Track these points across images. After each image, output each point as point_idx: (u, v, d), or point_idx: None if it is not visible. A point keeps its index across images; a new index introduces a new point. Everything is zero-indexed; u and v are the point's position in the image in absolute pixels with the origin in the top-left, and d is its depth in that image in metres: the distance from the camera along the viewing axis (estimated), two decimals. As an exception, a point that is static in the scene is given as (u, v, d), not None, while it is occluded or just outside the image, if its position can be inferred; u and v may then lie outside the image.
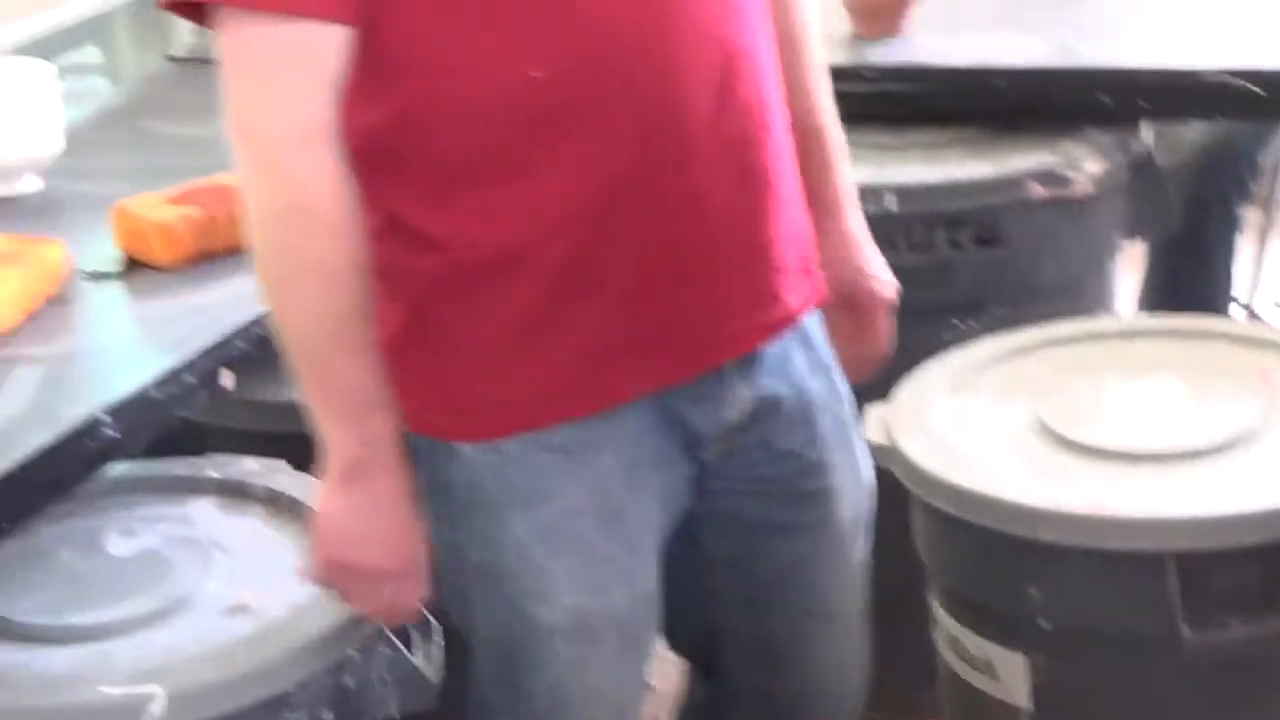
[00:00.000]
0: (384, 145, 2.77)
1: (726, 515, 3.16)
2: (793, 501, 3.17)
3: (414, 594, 3.00)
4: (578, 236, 2.81)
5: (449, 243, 2.82)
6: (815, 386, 3.14)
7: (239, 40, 2.66)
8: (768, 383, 3.07)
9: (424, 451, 2.99)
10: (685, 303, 2.95)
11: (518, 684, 3.11)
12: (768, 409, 3.08)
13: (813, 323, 3.14)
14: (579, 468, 2.97)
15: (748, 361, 3.02)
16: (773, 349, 3.05)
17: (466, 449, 2.95)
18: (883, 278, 3.34)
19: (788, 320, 3.06)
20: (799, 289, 3.07)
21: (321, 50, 2.65)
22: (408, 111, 2.76)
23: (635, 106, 2.78)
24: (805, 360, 3.12)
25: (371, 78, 2.72)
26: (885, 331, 3.34)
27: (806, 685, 3.37)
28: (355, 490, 2.87)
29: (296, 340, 2.83)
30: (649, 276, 2.90)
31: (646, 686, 3.27)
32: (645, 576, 3.07)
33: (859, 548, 3.30)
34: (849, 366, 3.27)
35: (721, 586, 3.24)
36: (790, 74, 3.07)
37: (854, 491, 3.24)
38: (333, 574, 2.96)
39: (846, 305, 3.30)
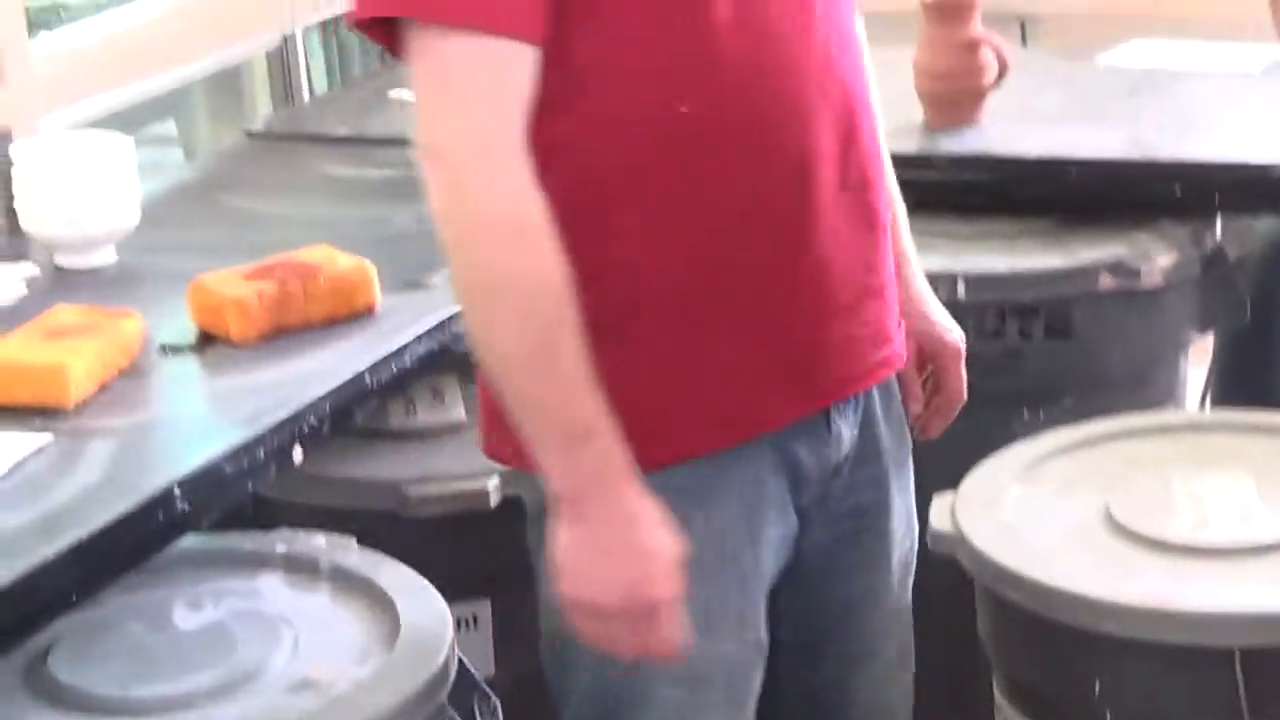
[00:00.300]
0: (541, 166, 2.72)
1: (800, 562, 3.15)
2: (855, 543, 3.20)
3: (664, 631, 2.81)
4: (707, 270, 2.86)
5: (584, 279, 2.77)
6: (884, 430, 3.18)
7: (437, 58, 2.67)
8: (864, 423, 3.12)
9: (529, 492, 3.03)
10: (814, 338, 3.00)
11: None
12: (861, 450, 3.12)
13: None
14: (699, 511, 2.95)
15: (856, 401, 3.07)
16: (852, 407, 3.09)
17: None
18: (952, 327, 3.36)
19: (898, 360, 3.15)
20: (900, 331, 3.14)
21: (516, 69, 2.67)
22: (566, 134, 2.76)
23: (773, 146, 2.84)
24: (880, 403, 3.16)
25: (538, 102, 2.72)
26: (960, 379, 3.35)
27: None
28: (576, 526, 2.77)
29: (500, 363, 2.78)
30: (779, 310, 2.95)
31: None
32: (755, 624, 3.09)
33: (905, 593, 3.33)
34: (929, 420, 3.36)
35: (783, 636, 3.19)
36: None
37: (905, 536, 3.29)
38: (574, 614, 2.85)
39: (921, 356, 3.34)
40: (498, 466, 3.48)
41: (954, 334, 3.35)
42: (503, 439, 2.99)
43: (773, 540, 3.05)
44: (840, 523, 3.16)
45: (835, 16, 2.92)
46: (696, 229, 2.85)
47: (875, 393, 3.13)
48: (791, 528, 3.08)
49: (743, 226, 2.86)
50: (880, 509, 3.21)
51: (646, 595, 2.76)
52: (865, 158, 2.99)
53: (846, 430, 3.07)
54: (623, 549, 2.75)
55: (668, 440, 2.91)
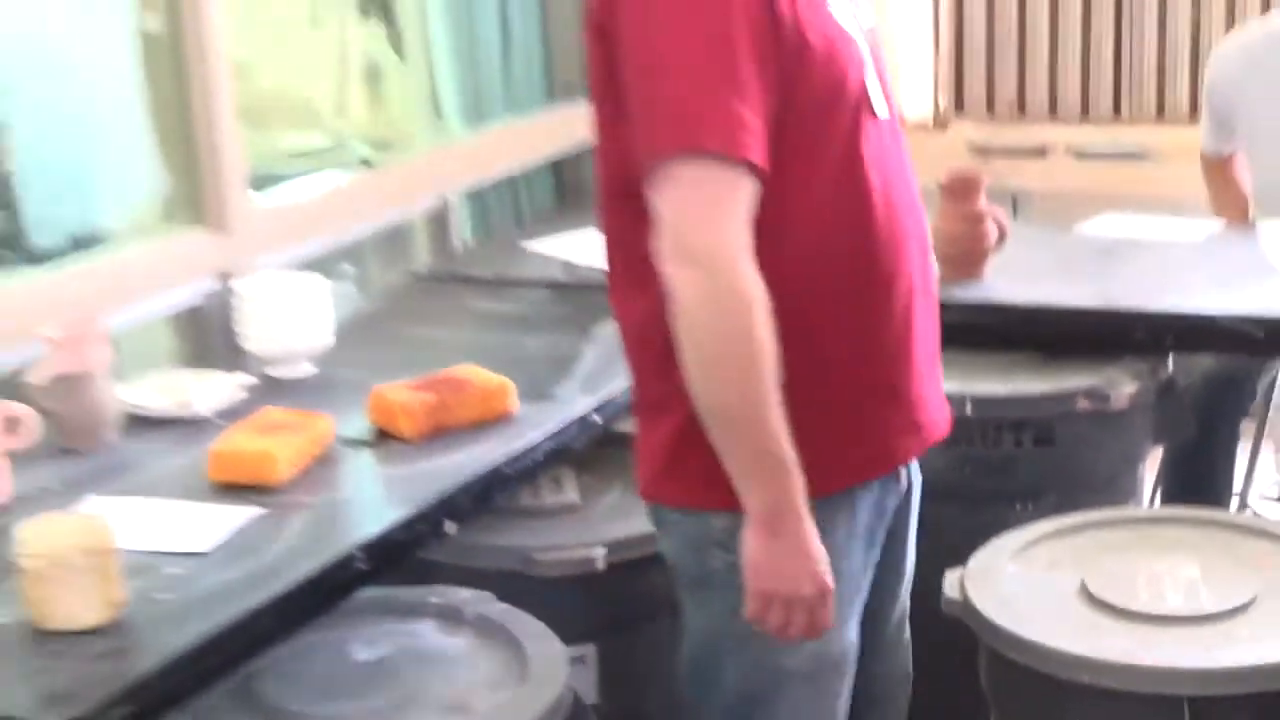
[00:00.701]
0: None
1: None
2: (890, 571, 3.31)
3: (826, 614, 2.96)
4: (859, 351, 3.03)
5: None
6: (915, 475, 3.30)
7: (714, 178, 2.75)
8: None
9: (691, 531, 3.11)
10: (919, 402, 3.13)
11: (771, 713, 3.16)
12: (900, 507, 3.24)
13: None
14: (840, 531, 3.06)
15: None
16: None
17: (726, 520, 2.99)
18: None
19: (949, 422, 3.26)
20: None
21: (750, 190, 2.77)
22: (773, 258, 2.83)
23: (899, 267, 3.04)
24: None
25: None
26: None
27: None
28: (775, 539, 2.87)
29: (723, 413, 2.84)
30: (903, 384, 3.10)
31: None
32: (853, 630, 3.16)
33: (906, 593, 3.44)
34: None
35: None
36: None
37: (911, 553, 3.41)
38: (765, 606, 2.93)
39: None
40: (604, 538, 3.60)
41: None
42: (670, 488, 3.14)
43: (868, 559, 3.17)
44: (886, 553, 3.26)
45: (910, 175, 3.10)
46: (853, 324, 3.02)
47: None
48: (878, 552, 3.20)
49: (884, 323, 3.05)
50: (905, 533, 3.34)
51: (824, 585, 2.91)
52: (930, 271, 3.16)
53: (909, 477, 3.24)
54: (807, 554, 2.89)
55: (839, 474, 3.05)
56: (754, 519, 2.88)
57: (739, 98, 2.72)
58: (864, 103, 2.95)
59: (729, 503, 2.93)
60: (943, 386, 3.26)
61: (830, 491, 3.00)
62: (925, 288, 3.12)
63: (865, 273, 3.00)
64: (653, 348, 2.99)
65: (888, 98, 3.04)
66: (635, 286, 3.00)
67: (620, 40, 2.83)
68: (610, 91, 2.89)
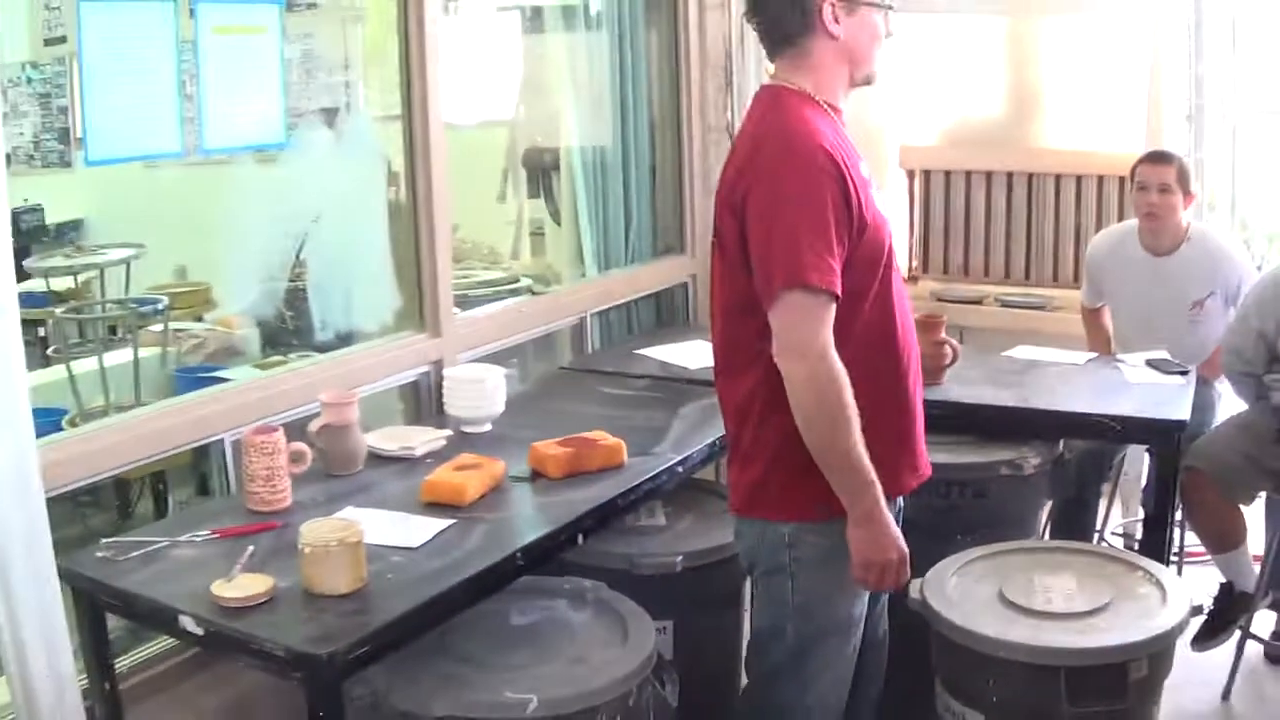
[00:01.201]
0: None
1: None
2: None
3: (905, 573, 3.09)
4: (886, 412, 3.12)
5: None
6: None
7: (814, 304, 2.92)
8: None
9: (768, 535, 3.19)
10: (916, 449, 3.26)
11: (803, 670, 3.23)
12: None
13: None
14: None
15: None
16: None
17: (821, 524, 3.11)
18: None
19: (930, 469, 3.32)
20: None
21: (832, 310, 2.94)
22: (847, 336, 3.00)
23: (910, 351, 3.19)
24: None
25: None
26: None
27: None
28: (868, 525, 3.01)
29: (830, 449, 2.97)
30: (911, 433, 3.23)
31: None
32: (863, 604, 3.26)
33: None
34: None
35: None
36: None
37: None
38: (867, 570, 3.05)
39: None
40: (682, 550, 3.67)
41: None
42: (755, 508, 3.20)
43: None
44: None
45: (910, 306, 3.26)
46: (884, 393, 3.12)
47: None
48: None
49: (901, 394, 3.18)
50: None
51: (903, 552, 3.07)
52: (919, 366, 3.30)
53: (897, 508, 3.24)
54: (892, 534, 3.05)
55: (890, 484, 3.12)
56: (852, 517, 3.01)
57: (829, 253, 2.90)
58: (891, 260, 3.10)
59: (793, 516, 3.12)
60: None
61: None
62: (919, 376, 3.24)
63: (891, 361, 3.13)
64: (750, 417, 3.12)
65: None
66: (739, 374, 3.13)
67: (749, 216, 2.98)
68: (739, 246, 3.01)
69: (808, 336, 2.91)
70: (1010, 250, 6.68)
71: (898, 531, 3.07)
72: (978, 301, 6.50)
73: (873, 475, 2.99)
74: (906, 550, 3.08)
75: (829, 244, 2.91)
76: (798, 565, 3.15)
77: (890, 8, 3.11)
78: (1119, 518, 5.78)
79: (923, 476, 3.27)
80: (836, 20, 3.03)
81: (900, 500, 3.26)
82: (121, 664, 3.59)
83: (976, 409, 4.31)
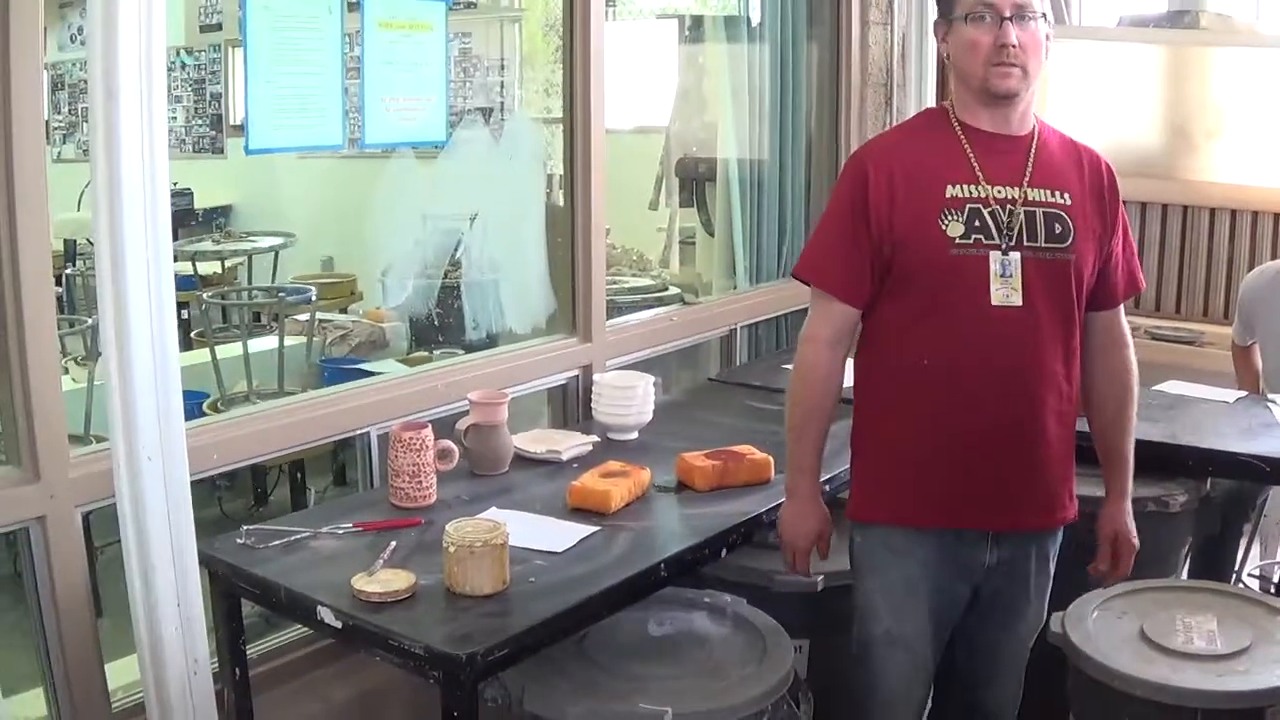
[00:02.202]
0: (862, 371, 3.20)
1: (970, 611, 3.28)
2: (997, 612, 3.27)
3: (802, 561, 3.29)
4: (938, 435, 3.06)
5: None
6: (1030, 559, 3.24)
7: (818, 298, 3.12)
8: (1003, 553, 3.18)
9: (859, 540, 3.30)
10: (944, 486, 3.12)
11: (866, 674, 3.26)
12: (1001, 566, 3.17)
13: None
14: (898, 558, 3.15)
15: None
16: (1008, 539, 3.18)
17: (865, 526, 3.23)
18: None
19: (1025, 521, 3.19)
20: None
21: (839, 310, 3.08)
22: (873, 361, 3.16)
23: (956, 395, 3.03)
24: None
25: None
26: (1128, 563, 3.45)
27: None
28: (787, 502, 3.28)
29: (789, 430, 3.21)
30: (965, 468, 3.07)
31: (925, 693, 3.34)
32: (922, 623, 3.18)
33: (1020, 644, 3.41)
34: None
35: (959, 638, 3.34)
36: None
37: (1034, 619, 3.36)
38: (785, 546, 3.27)
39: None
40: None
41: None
42: (855, 509, 3.27)
43: (931, 581, 3.16)
44: (989, 600, 3.24)
45: None
46: (909, 417, 3.10)
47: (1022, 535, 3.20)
48: (956, 590, 3.20)
49: (937, 423, 3.07)
50: (1020, 603, 3.28)
51: (805, 537, 3.26)
52: None
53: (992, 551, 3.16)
54: (800, 514, 3.25)
55: (896, 510, 3.17)
56: (787, 492, 3.30)
57: (835, 253, 3.08)
58: (954, 284, 3.05)
59: (851, 513, 3.26)
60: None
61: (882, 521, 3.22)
62: (1006, 422, 3.11)
63: (924, 386, 3.10)
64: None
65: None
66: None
67: None
68: None
69: (807, 323, 3.15)
70: (1162, 283, 6.58)
71: (810, 520, 3.25)
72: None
73: (807, 465, 3.21)
74: (807, 539, 3.26)
75: (835, 245, 3.07)
76: (856, 564, 3.29)
77: (971, 17, 2.96)
78: (1257, 559, 5.68)
79: (967, 523, 3.15)
80: (944, 39, 3.05)
81: (986, 544, 3.19)
82: (253, 650, 3.62)
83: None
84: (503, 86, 8.42)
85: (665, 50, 6.74)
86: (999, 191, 2.98)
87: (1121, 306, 3.25)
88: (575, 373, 4.65)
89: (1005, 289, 2.95)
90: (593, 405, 4.25)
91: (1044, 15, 2.99)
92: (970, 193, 2.97)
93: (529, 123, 6.78)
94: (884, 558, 3.16)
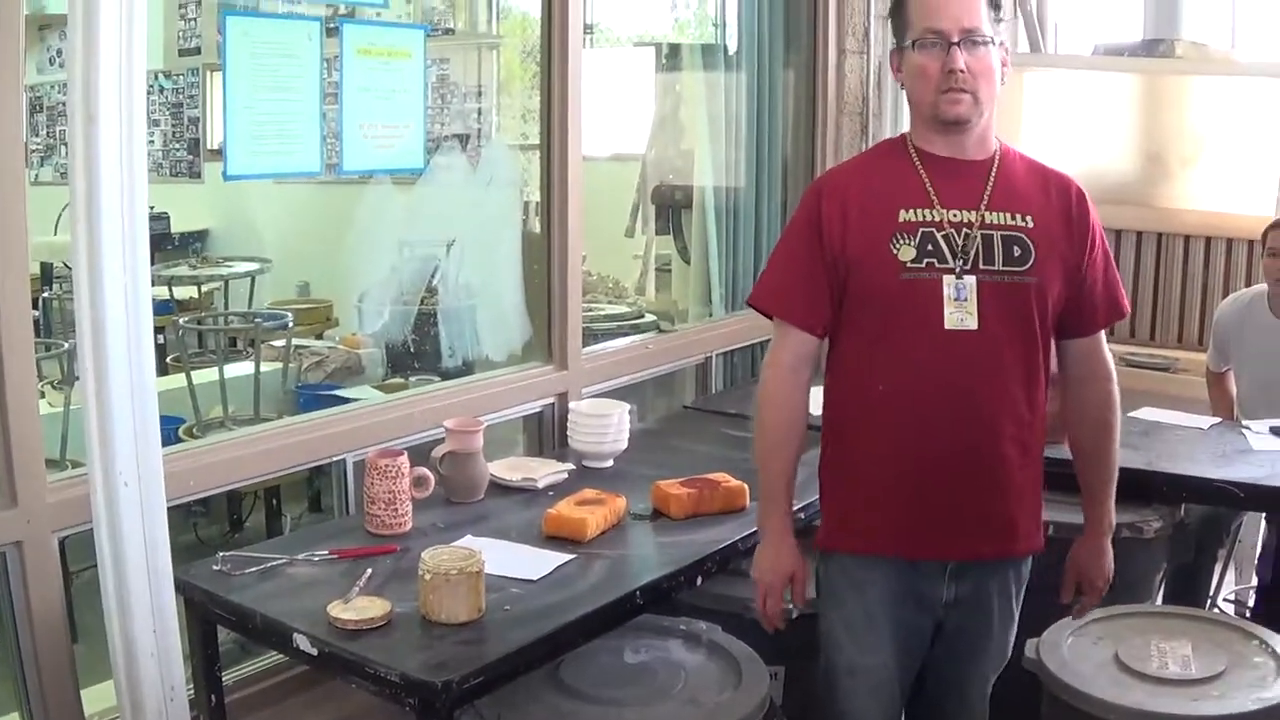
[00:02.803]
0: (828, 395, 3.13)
1: (936, 641, 3.18)
2: (960, 644, 3.17)
3: (774, 602, 3.16)
4: (891, 461, 3.00)
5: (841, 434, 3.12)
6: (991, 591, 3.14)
7: (778, 325, 3.08)
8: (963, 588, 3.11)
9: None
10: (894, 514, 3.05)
11: (832, 705, 3.20)
12: (961, 602, 3.10)
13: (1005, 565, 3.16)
14: (857, 590, 3.10)
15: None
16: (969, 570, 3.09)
17: (827, 555, 3.18)
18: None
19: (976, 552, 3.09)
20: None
21: (797, 338, 3.05)
22: (834, 387, 3.11)
23: (906, 422, 2.97)
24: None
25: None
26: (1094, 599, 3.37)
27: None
28: (761, 539, 3.18)
29: (757, 458, 3.14)
30: (918, 495, 3.00)
31: None
32: (884, 654, 3.12)
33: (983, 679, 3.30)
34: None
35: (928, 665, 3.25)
36: None
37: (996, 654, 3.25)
38: (756, 585, 3.16)
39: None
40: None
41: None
42: (820, 537, 3.20)
43: (894, 614, 3.10)
44: (953, 635, 3.16)
45: None
46: (860, 444, 3.06)
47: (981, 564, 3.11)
48: (913, 615, 3.11)
49: (883, 450, 3.01)
50: (982, 634, 3.18)
51: (774, 577, 3.14)
52: None
53: (950, 585, 3.09)
54: (770, 556, 3.14)
55: (852, 537, 3.11)
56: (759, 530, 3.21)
57: (787, 280, 3.07)
58: (904, 309, 3.00)
59: (817, 540, 3.19)
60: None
61: (846, 550, 3.15)
62: (962, 450, 3.04)
63: (874, 413, 3.07)
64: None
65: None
66: None
67: None
68: None
69: (769, 350, 3.14)
70: (1137, 309, 6.60)
71: (782, 559, 3.13)
72: (1102, 360, 6.44)
73: (776, 496, 3.10)
74: (779, 578, 3.14)
75: (790, 272, 3.05)
76: (820, 594, 3.23)
77: (920, 43, 2.91)
78: (1232, 584, 5.70)
79: (923, 552, 3.08)
80: (898, 69, 3.03)
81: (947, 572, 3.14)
82: (229, 676, 3.62)
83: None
84: (480, 113, 8.43)
85: (642, 78, 6.74)
86: (954, 215, 2.93)
87: (1102, 336, 3.19)
88: (551, 400, 4.66)
89: (960, 312, 2.91)
90: (569, 433, 4.25)
91: (996, 40, 2.93)
92: (923, 216, 2.93)
93: (506, 149, 6.80)
94: (844, 589, 3.11)
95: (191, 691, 3.27)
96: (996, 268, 2.92)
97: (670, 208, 6.33)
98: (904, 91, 3.07)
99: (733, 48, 5.79)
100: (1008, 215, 2.95)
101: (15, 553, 3.21)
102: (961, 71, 2.86)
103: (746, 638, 3.48)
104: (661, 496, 3.73)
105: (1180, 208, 6.48)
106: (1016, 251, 2.93)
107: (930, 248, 2.91)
